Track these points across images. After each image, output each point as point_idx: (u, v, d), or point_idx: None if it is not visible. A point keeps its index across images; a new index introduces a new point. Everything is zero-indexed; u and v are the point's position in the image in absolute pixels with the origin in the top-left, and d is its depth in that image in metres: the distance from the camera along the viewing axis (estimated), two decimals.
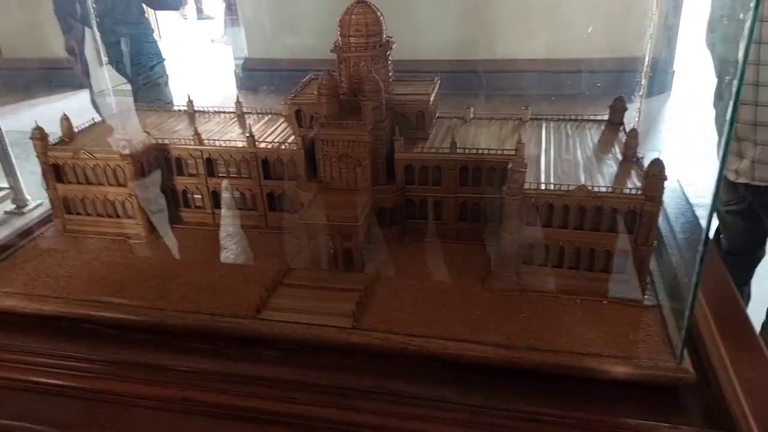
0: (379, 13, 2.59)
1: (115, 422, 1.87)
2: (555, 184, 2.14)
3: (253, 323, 2.11)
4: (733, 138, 2.84)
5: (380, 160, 2.55)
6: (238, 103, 3.02)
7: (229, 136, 2.76)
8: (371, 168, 2.50)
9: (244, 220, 2.76)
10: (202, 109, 3.07)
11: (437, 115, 2.84)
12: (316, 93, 2.55)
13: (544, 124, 2.72)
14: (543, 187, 2.13)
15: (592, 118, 2.75)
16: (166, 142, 2.70)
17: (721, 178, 2.33)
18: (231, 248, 2.64)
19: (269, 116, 2.97)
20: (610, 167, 2.30)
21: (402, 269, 2.38)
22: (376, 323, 2.08)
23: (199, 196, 2.77)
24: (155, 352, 2.07)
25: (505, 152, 2.39)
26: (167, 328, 2.16)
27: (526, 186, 2.12)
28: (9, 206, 4.10)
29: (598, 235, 2.12)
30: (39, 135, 2.66)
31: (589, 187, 2.08)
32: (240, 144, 2.65)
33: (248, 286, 2.31)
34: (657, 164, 2.00)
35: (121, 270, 2.47)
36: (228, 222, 2.77)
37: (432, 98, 2.64)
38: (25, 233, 2.79)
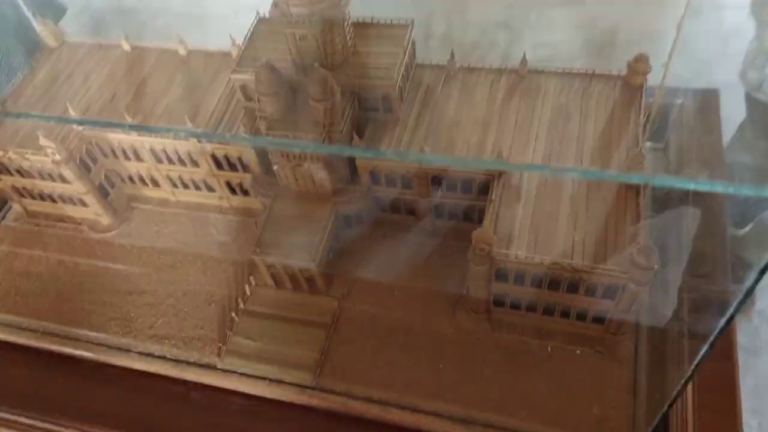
0: None
1: None
2: (527, 256, 1.81)
3: (216, 375, 2.11)
4: None
5: (341, 161, 2.19)
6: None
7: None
8: (330, 176, 2.16)
9: (207, 200, 2.55)
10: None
11: (415, 63, 2.32)
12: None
13: (543, 89, 2.19)
14: (512, 255, 1.82)
15: (606, 73, 2.18)
16: (101, 130, 2.36)
17: None
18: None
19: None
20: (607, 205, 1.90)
21: (367, 290, 2.23)
22: (337, 377, 2.05)
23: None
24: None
25: (486, 170, 2.01)
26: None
27: (497, 251, 1.82)
28: None
29: (573, 298, 1.88)
30: None
31: (566, 263, 1.77)
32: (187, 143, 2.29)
33: (211, 308, 2.26)
34: (645, 252, 1.65)
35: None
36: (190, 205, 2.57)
37: (398, 77, 2.11)
38: None
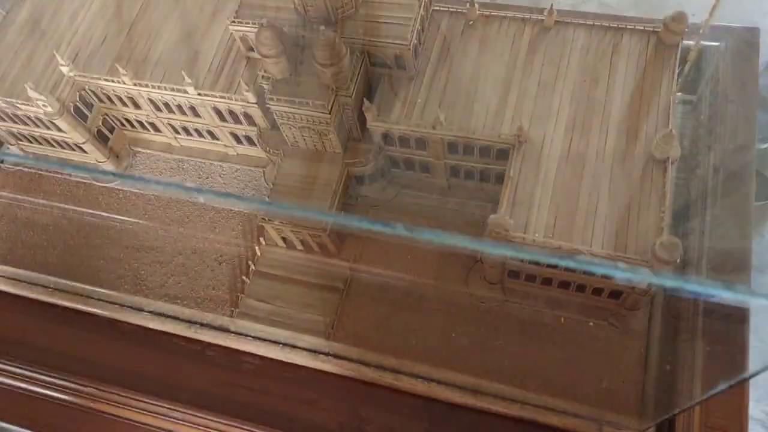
0: None
1: None
2: (544, 240, 1.76)
3: (229, 337, 2.14)
4: None
5: (351, 122, 2.06)
6: None
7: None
8: (340, 136, 2.05)
9: (212, 147, 2.45)
10: None
11: (432, 9, 2.12)
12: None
13: (570, 44, 2.02)
14: (529, 239, 1.76)
15: (639, 27, 2.00)
16: (94, 79, 2.21)
17: None
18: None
19: None
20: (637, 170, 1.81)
21: (378, 252, 2.19)
22: (349, 343, 2.07)
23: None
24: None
25: (502, 138, 1.90)
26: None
27: (515, 235, 1.76)
28: None
29: (590, 278, 1.85)
30: None
31: (585, 250, 1.71)
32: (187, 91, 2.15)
33: (221, 268, 2.26)
34: (668, 246, 1.59)
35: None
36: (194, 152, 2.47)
37: (413, 36, 1.93)
38: None
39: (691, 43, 2.04)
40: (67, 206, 2.46)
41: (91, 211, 2.44)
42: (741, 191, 1.94)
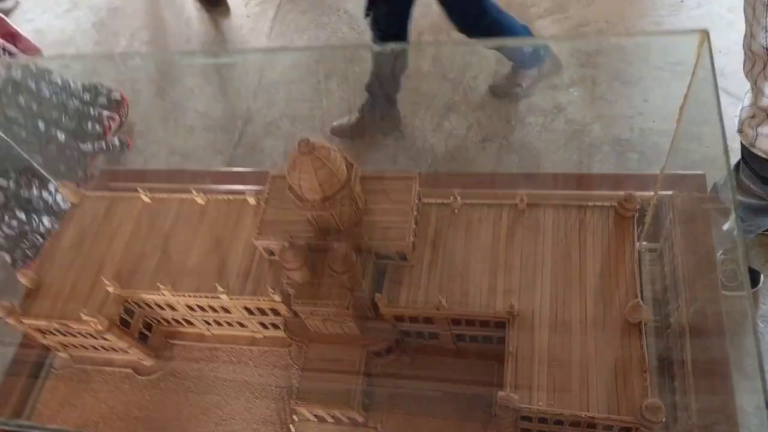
0: (332, 153, 2.11)
1: None
2: (547, 410, 2.04)
3: None
4: None
5: (365, 309, 2.38)
6: None
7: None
8: (357, 323, 2.36)
9: (241, 333, 2.75)
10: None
11: (423, 202, 2.49)
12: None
13: (542, 223, 2.38)
14: (534, 409, 2.04)
15: (599, 204, 2.37)
16: (137, 294, 2.54)
17: None
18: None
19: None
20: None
21: (400, 419, 2.45)
22: None
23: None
24: None
25: (497, 314, 2.22)
26: None
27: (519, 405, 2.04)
28: None
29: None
30: (4, 312, 2.53)
31: (583, 415, 1.99)
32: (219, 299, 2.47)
33: None
34: (652, 409, 1.88)
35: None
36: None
37: (410, 236, 2.29)
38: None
39: (651, 193, 2.39)
40: (113, 403, 2.72)
41: (138, 409, 2.69)
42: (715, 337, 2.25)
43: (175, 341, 2.81)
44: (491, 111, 4.80)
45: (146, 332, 2.75)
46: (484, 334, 2.37)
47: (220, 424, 2.58)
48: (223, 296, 2.44)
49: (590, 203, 2.37)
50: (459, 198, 2.46)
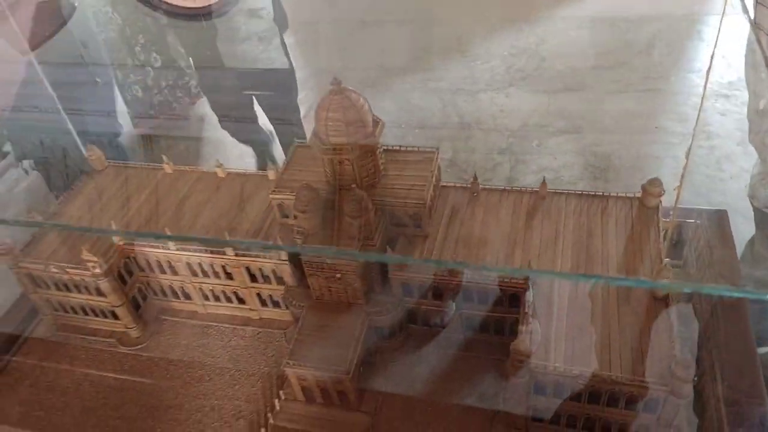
0: (362, 100, 2.15)
1: None
2: (565, 368, 1.85)
3: None
4: None
5: (373, 272, 2.27)
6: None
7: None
8: (364, 286, 2.24)
9: (236, 312, 2.60)
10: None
11: (441, 184, 2.47)
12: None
13: (563, 209, 2.33)
14: (551, 367, 1.86)
15: (621, 195, 2.33)
16: (140, 247, 2.46)
17: None
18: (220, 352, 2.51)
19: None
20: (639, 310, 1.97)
21: (398, 405, 2.21)
22: None
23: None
24: None
25: (513, 280, 2.09)
26: None
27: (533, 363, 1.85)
28: None
29: (613, 411, 1.88)
30: (3, 250, 2.46)
31: (606, 375, 1.80)
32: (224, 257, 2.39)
33: (239, 423, 2.24)
34: (683, 364, 1.69)
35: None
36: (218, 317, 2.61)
37: (428, 197, 2.25)
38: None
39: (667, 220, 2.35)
40: (89, 370, 2.51)
41: (113, 374, 2.48)
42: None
43: (167, 317, 2.66)
44: None
45: (140, 300, 2.62)
46: (499, 315, 2.21)
47: (199, 397, 2.35)
48: (229, 251, 2.36)
49: (613, 193, 2.33)
50: (479, 181, 2.44)
